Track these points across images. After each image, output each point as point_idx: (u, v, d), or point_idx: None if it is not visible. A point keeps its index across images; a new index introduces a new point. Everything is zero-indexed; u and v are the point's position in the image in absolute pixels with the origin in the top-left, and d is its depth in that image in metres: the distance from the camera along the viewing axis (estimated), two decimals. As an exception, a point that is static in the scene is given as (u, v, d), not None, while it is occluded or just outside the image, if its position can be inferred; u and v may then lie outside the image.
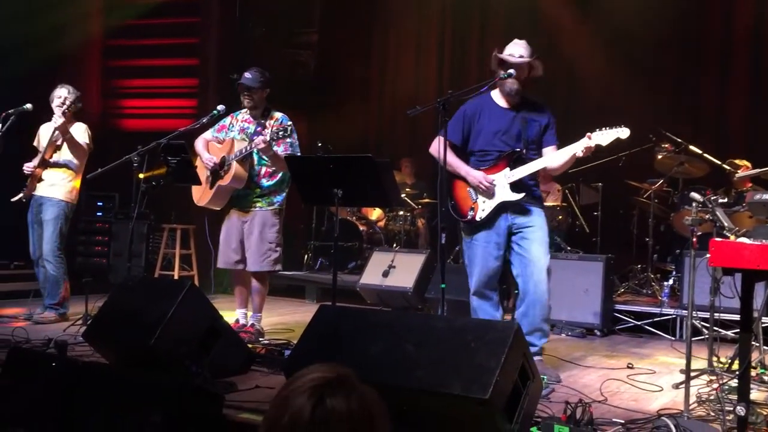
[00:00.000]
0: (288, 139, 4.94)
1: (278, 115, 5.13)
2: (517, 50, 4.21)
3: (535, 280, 4.15)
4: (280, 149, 4.94)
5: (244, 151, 4.94)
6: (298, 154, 5.08)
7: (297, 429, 1.28)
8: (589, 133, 4.03)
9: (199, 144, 5.23)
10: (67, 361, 3.57)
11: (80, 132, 5.73)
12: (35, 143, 5.90)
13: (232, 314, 5.36)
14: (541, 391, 3.33)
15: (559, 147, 4.26)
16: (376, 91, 9.84)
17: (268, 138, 4.77)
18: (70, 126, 5.68)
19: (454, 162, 4.29)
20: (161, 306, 3.72)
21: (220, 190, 5.07)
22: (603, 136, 4.02)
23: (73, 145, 5.65)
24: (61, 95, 5.70)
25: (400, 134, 9.53)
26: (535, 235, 4.18)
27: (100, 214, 8.10)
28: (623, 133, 4.03)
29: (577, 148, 4.04)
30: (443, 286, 3.91)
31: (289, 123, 5.05)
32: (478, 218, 4.23)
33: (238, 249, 5.16)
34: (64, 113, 5.53)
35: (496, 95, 4.32)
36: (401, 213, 8.06)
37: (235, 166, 4.97)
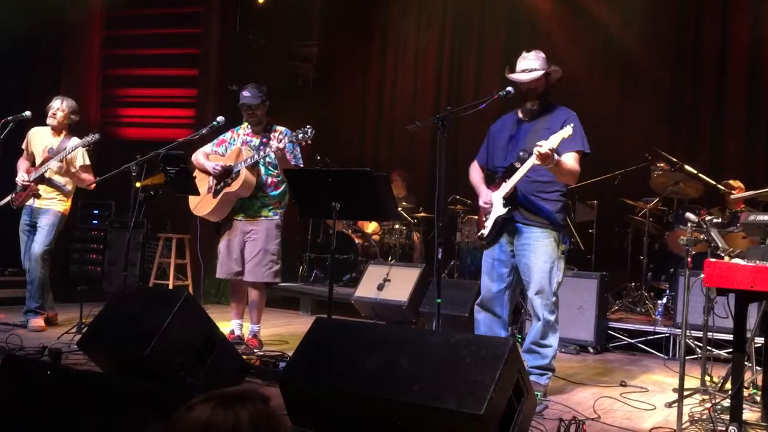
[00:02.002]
0: (289, 145, 4.96)
1: (281, 128, 5.16)
2: (524, 65, 4.18)
3: (531, 304, 4.15)
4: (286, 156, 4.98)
5: (255, 157, 4.97)
6: (301, 165, 5.13)
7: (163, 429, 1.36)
8: (542, 141, 3.87)
9: (200, 156, 5.23)
10: (62, 369, 3.57)
11: (78, 152, 5.73)
12: (23, 146, 5.91)
13: (225, 324, 5.36)
14: (535, 408, 3.34)
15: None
16: (374, 104, 9.89)
17: (286, 141, 4.81)
18: (67, 140, 5.71)
19: (475, 182, 4.36)
20: (157, 316, 3.72)
21: (226, 197, 5.08)
22: (551, 140, 3.83)
23: (81, 180, 5.77)
24: (54, 107, 5.74)
25: (397, 147, 9.56)
26: (526, 257, 4.12)
27: (95, 222, 8.10)
28: (566, 131, 3.86)
29: (533, 161, 3.89)
30: (439, 300, 3.93)
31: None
32: (484, 234, 4.25)
33: (239, 260, 5.17)
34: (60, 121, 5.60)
35: (521, 110, 4.29)
36: (397, 226, 8.08)
37: (244, 173, 4.99)
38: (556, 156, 3.85)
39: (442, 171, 3.92)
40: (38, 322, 5.62)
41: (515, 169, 4.10)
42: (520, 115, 4.29)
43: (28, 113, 5.66)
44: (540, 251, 4.09)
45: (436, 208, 4.01)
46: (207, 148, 5.31)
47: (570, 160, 4.02)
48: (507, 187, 4.11)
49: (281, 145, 4.78)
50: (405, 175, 8.66)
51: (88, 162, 5.80)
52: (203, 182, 5.18)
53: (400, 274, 6.73)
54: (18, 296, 6.41)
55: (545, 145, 3.79)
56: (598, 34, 8.14)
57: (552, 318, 4.10)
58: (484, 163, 4.43)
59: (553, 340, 4.14)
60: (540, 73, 4.14)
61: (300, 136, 4.79)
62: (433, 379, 2.90)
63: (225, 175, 5.05)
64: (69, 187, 5.80)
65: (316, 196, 4.29)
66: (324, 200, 4.18)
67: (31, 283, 5.71)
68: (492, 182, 4.32)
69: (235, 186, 5.02)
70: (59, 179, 5.74)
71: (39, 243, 5.66)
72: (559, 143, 3.84)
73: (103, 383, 3.31)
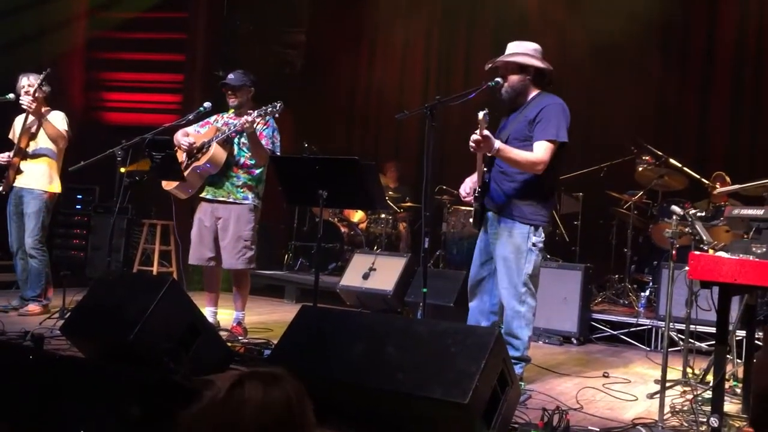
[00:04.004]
0: (267, 130, 4.97)
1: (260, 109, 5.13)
2: (507, 51, 4.16)
3: (501, 296, 4.09)
4: (262, 141, 4.94)
5: (227, 131, 4.96)
6: (278, 152, 5.09)
7: (210, 410, 1.31)
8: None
9: (179, 133, 5.19)
10: (45, 354, 3.54)
11: (59, 119, 5.67)
12: (10, 135, 5.83)
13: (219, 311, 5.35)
14: (519, 398, 3.36)
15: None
16: (362, 92, 9.85)
17: (255, 115, 4.75)
18: (46, 114, 5.63)
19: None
20: (142, 301, 3.71)
21: (194, 172, 5.03)
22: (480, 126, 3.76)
23: (51, 131, 5.58)
24: (23, 85, 5.64)
25: (384, 137, 9.55)
26: (494, 247, 4.07)
27: (79, 207, 8.03)
28: (480, 115, 3.74)
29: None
30: (425, 290, 3.93)
31: (275, 126, 5.10)
32: (471, 221, 4.26)
33: (211, 246, 5.13)
34: (35, 98, 5.48)
35: None
36: (383, 216, 8.08)
37: (214, 147, 4.95)
38: (496, 144, 3.78)
39: (429, 161, 3.92)
40: (32, 307, 5.57)
41: (491, 159, 4.07)
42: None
43: (11, 96, 5.59)
44: (507, 241, 4.01)
45: (423, 198, 4.01)
46: (191, 128, 5.27)
47: (539, 148, 3.90)
48: (477, 176, 4.09)
49: (249, 118, 4.73)
50: (399, 165, 8.68)
51: (66, 127, 5.68)
52: (180, 150, 5.14)
53: (385, 263, 6.73)
54: (3, 281, 6.35)
55: (477, 132, 3.72)
56: (585, 27, 8.13)
57: (521, 309, 4.00)
58: None
59: (522, 332, 4.02)
60: (504, 59, 4.06)
61: (269, 109, 4.76)
62: (418, 368, 2.91)
63: (196, 150, 5.04)
64: (54, 150, 5.64)
65: (303, 183, 4.28)
66: (311, 188, 4.16)
67: (25, 271, 5.65)
68: None
69: (203, 159, 4.98)
70: (42, 145, 5.62)
71: (28, 234, 5.59)
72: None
73: (86, 369, 3.30)
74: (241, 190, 5.08)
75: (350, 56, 9.76)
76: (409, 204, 8.30)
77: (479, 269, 4.23)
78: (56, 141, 5.63)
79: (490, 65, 4.16)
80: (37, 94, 5.55)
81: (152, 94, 8.81)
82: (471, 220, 4.28)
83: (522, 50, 4.11)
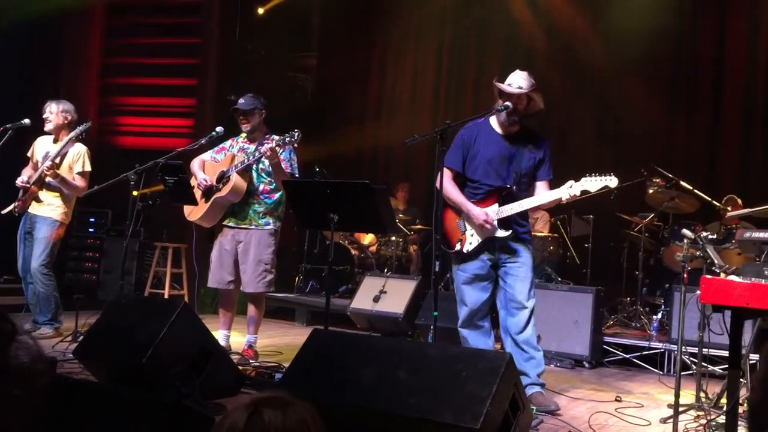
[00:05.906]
0: (285, 153, 5.01)
1: (277, 138, 5.18)
2: (516, 81, 4.21)
3: (517, 319, 4.18)
4: (281, 164, 4.99)
5: (246, 161, 5.00)
6: (297, 174, 5.12)
7: None
8: (572, 182, 4.08)
9: (195, 164, 5.26)
10: (57, 378, 3.56)
11: (81, 158, 5.71)
12: (29, 154, 5.88)
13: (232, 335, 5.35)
14: (530, 422, 3.35)
15: (551, 183, 4.29)
16: (373, 116, 9.90)
17: (273, 144, 4.80)
18: (70, 145, 5.68)
19: (457, 198, 4.29)
20: (154, 325, 3.72)
21: (216, 203, 5.08)
22: (591, 183, 4.04)
23: (69, 186, 5.66)
24: (46, 111, 5.71)
25: (395, 160, 9.59)
26: (519, 272, 4.23)
27: (91, 230, 8.08)
28: (612, 182, 4.03)
29: (562, 194, 4.10)
30: (436, 313, 3.93)
31: (291, 147, 5.12)
32: (465, 250, 4.26)
33: (231, 269, 5.16)
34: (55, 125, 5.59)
35: (494, 122, 4.32)
36: (393, 238, 8.08)
37: (235, 178, 5.00)
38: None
39: (439, 184, 3.95)
40: (44, 331, 5.59)
41: (509, 192, 4.19)
42: (499, 130, 4.31)
43: (27, 121, 5.64)
44: (527, 265, 4.27)
45: (434, 221, 4.03)
46: (207, 155, 5.33)
47: (547, 186, 4.29)
48: (509, 210, 4.17)
49: (272, 145, 4.78)
50: (409, 188, 8.71)
51: (88, 168, 5.73)
52: (197, 188, 5.19)
53: (396, 286, 6.73)
54: (13, 304, 6.38)
55: (578, 188, 4.05)
56: (593, 51, 8.17)
57: (534, 323, 4.28)
58: (459, 170, 4.35)
59: (538, 345, 4.32)
60: (525, 91, 4.19)
61: (287, 139, 4.81)
62: (429, 393, 2.90)
63: (209, 191, 5.08)
64: (69, 191, 5.73)
65: (315, 207, 4.30)
66: (322, 211, 4.18)
67: (35, 296, 5.68)
68: (469, 195, 4.33)
69: (224, 190, 5.03)
70: (57, 182, 5.68)
71: (35, 257, 5.60)
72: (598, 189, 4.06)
73: (99, 392, 3.31)
74: (263, 217, 5.14)
75: (361, 80, 9.83)
76: (419, 226, 8.30)
77: (482, 293, 4.30)
78: (78, 191, 5.72)
79: (518, 91, 4.18)
80: (58, 121, 5.65)
81: (165, 118, 8.89)
82: (467, 248, 4.28)
83: (530, 84, 4.22)
